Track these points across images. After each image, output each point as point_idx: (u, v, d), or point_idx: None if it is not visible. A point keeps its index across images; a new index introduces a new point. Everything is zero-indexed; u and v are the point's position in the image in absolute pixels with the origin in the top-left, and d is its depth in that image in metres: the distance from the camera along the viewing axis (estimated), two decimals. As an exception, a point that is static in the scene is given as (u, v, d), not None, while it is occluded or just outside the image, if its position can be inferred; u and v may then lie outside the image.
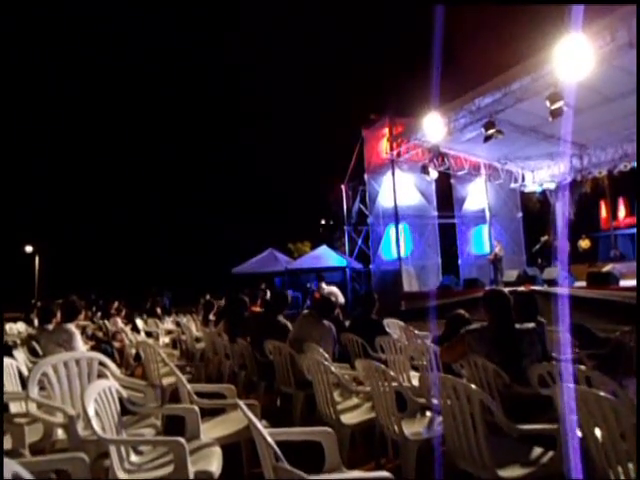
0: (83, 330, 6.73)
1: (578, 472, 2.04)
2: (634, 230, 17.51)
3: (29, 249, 29.96)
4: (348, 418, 3.25)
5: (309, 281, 17.83)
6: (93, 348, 5.85)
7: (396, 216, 13.69)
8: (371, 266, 15.33)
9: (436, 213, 15.02)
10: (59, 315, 4.82)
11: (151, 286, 21.25)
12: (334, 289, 11.14)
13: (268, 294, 11.27)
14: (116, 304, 12.09)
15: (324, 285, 11.13)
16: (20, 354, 4.29)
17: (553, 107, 8.92)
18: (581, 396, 2.01)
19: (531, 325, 3.22)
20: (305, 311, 5.18)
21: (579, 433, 2.09)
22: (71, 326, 4.59)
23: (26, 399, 2.89)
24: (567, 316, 6.10)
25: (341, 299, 10.68)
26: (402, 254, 13.69)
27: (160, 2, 48.65)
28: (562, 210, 15.48)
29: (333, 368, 3.37)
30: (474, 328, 3.30)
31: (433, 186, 14.88)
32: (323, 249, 22.02)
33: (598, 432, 1.98)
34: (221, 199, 42.65)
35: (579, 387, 2.10)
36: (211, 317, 7.73)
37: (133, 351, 6.38)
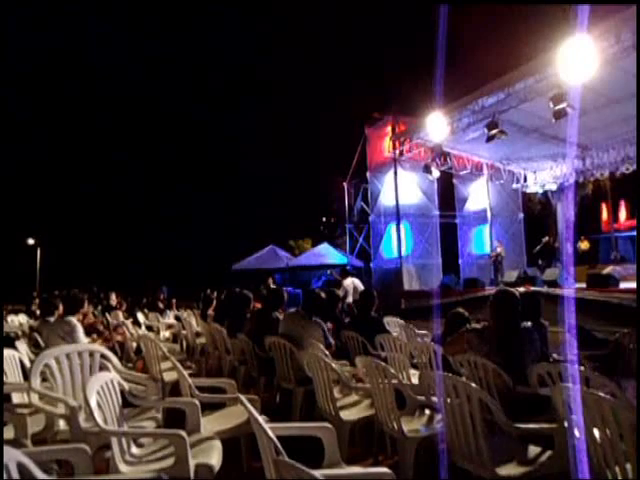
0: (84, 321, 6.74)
1: (576, 472, 2.06)
2: (634, 233, 17.49)
3: (31, 241, 30.05)
4: (347, 414, 3.27)
5: (324, 276, 17.73)
6: (94, 341, 5.86)
7: (397, 215, 13.68)
8: (372, 264, 15.34)
9: (438, 212, 15.01)
10: (61, 308, 4.84)
11: (150, 280, 21.31)
12: (358, 283, 11.01)
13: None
14: (114, 297, 12.10)
15: (348, 279, 10.98)
16: (22, 345, 4.31)
17: (556, 108, 8.90)
18: (580, 396, 2.03)
19: (528, 324, 3.23)
20: (292, 309, 5.11)
21: (577, 433, 2.10)
22: (73, 319, 4.61)
23: (28, 390, 2.91)
24: (567, 317, 6.11)
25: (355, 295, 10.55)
26: (403, 253, 13.70)
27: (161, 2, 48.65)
28: (563, 211, 15.47)
29: (334, 365, 3.39)
30: (475, 327, 3.31)
31: (435, 185, 14.86)
32: (324, 246, 22.04)
33: (597, 432, 2.00)
34: (223, 195, 42.69)
35: (578, 387, 2.11)
36: (210, 312, 7.76)
37: (134, 345, 6.40)
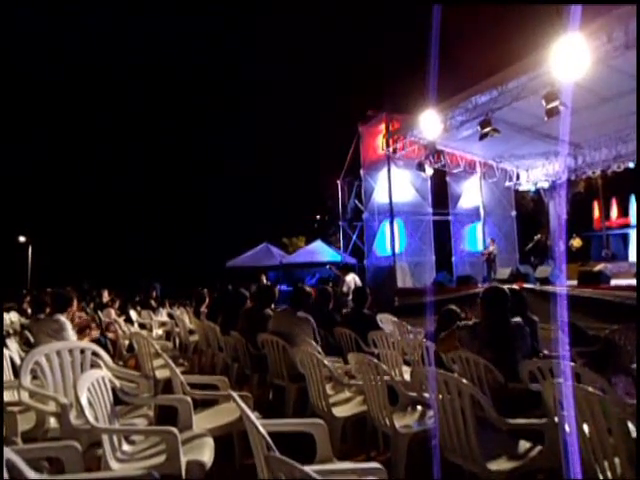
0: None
1: (566, 466, 2.08)
2: (626, 230, 17.66)
3: (22, 239, 29.84)
4: (340, 411, 3.28)
5: (319, 273, 17.65)
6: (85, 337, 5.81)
7: (391, 212, 13.70)
8: (365, 262, 15.35)
9: (431, 210, 15.04)
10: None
11: (142, 277, 21.22)
12: (357, 280, 10.94)
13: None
14: (106, 293, 12.03)
15: (350, 275, 10.92)
16: (13, 343, 4.28)
17: (549, 106, 8.94)
18: (570, 392, 2.04)
19: (518, 319, 3.25)
20: (282, 307, 5.12)
21: (567, 428, 2.12)
22: (61, 316, 4.56)
23: (18, 388, 2.89)
24: (558, 314, 6.15)
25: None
26: (396, 250, 13.72)
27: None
28: (556, 209, 15.56)
29: (326, 361, 3.39)
30: (466, 324, 3.33)
31: (428, 183, 14.91)
32: (318, 244, 22.06)
33: (586, 427, 2.02)
34: (217, 193, 42.54)
35: (568, 383, 2.13)
36: (203, 309, 7.73)
37: (126, 342, 6.37)
